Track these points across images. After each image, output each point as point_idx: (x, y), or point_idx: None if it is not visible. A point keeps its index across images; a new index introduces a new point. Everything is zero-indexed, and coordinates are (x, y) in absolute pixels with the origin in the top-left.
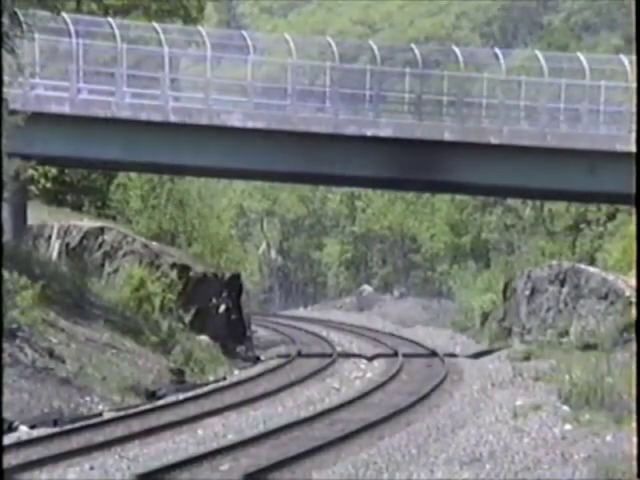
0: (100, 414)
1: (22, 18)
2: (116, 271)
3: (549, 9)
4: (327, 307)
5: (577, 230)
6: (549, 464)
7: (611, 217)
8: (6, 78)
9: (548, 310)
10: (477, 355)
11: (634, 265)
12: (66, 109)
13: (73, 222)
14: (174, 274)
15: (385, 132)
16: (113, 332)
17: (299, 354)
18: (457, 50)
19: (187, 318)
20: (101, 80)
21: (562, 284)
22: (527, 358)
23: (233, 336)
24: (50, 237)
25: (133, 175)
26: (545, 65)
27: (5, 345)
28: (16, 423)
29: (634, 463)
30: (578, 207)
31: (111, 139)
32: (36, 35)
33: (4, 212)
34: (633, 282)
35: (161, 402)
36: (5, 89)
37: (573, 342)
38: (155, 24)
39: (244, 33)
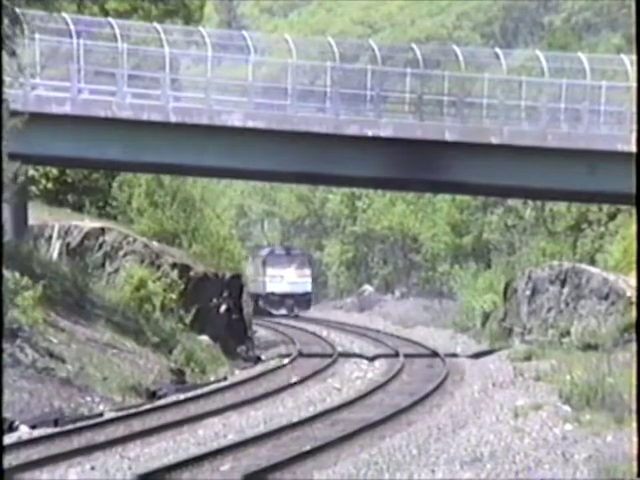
0: (101, 414)
1: (22, 18)
2: (117, 271)
3: (550, 9)
4: (328, 307)
5: (578, 230)
6: (550, 464)
7: (612, 217)
8: (7, 78)
9: (549, 310)
10: (478, 355)
11: (635, 265)
12: (67, 109)
13: (74, 222)
14: (175, 274)
15: (386, 132)
16: (114, 332)
17: (300, 354)
18: (458, 50)
19: (188, 318)
20: (102, 80)
21: (563, 284)
22: (528, 358)
23: (234, 336)
24: (51, 237)
25: (138, 174)
26: (546, 65)
27: (6, 345)
28: (17, 423)
29: (635, 463)
30: (579, 207)
31: (112, 139)
32: (37, 35)
33: (5, 212)
34: (634, 282)
35: (162, 402)
36: (6, 89)
37: (574, 342)
38: (156, 25)
39: (245, 33)
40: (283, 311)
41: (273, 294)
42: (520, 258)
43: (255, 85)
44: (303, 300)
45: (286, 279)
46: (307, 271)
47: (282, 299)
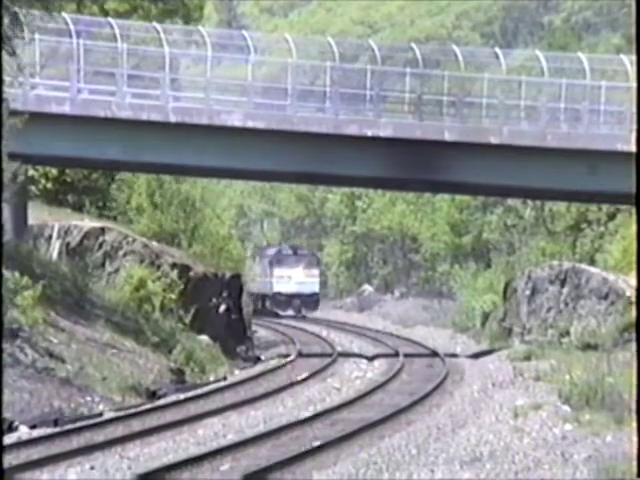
0: (100, 414)
1: (23, 18)
2: (116, 271)
3: (550, 9)
4: (327, 307)
5: (578, 230)
6: (549, 464)
7: (612, 217)
8: (7, 78)
9: (548, 310)
10: (478, 355)
11: (634, 265)
12: (66, 109)
13: (74, 222)
14: (174, 274)
15: (385, 132)
16: (113, 332)
17: (299, 354)
18: (457, 50)
19: (187, 318)
20: (101, 80)
21: (563, 284)
22: (527, 358)
23: (233, 336)
24: (51, 237)
25: (138, 174)
26: (545, 65)
27: (5, 345)
28: (16, 423)
29: (634, 463)
30: (579, 207)
31: (111, 139)
32: (36, 35)
33: (5, 212)
34: (634, 282)
35: (161, 402)
36: (5, 89)
37: (573, 342)
38: (155, 24)
39: (244, 33)
40: (290, 312)
41: (280, 294)
42: (520, 258)
43: (255, 85)
44: (311, 301)
45: (294, 279)
46: (315, 271)
47: (289, 299)
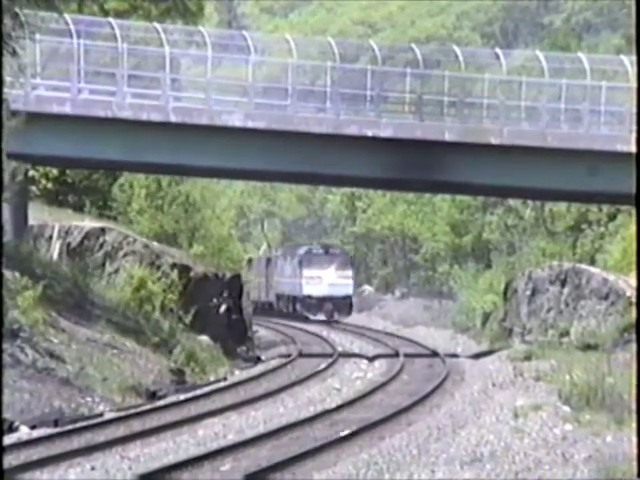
0: (101, 414)
1: (24, 19)
2: (117, 271)
3: (550, 9)
4: None
5: (578, 230)
6: (550, 464)
7: (612, 217)
8: (7, 78)
9: (549, 310)
10: (478, 355)
11: (634, 265)
12: (67, 109)
13: (74, 222)
14: (175, 274)
15: (386, 132)
16: (114, 332)
17: (300, 354)
18: (458, 50)
19: (188, 318)
20: (102, 80)
21: (563, 284)
22: (528, 358)
23: (234, 336)
24: (51, 237)
25: (139, 175)
26: (546, 65)
27: (6, 345)
28: (17, 423)
29: (634, 463)
30: (579, 207)
31: (112, 139)
32: (37, 35)
33: (5, 212)
34: (634, 282)
35: (162, 402)
36: (6, 89)
37: (574, 342)
38: (156, 24)
39: (245, 33)
40: (321, 316)
41: (310, 297)
42: (520, 258)
43: (255, 85)
44: (344, 304)
45: (325, 281)
46: (348, 272)
47: (320, 303)
